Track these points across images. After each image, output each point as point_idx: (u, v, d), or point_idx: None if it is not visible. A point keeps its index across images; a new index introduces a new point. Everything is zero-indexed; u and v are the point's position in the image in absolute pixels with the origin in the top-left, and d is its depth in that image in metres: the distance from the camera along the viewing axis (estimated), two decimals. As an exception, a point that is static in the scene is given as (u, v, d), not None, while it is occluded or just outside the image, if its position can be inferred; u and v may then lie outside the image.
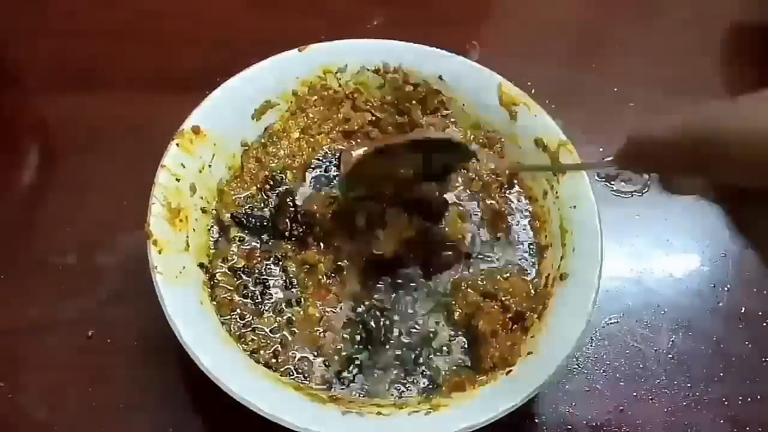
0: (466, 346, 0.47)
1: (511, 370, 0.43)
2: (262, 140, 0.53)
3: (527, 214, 0.52)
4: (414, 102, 0.55)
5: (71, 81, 0.61)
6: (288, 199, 0.51)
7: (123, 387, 0.47)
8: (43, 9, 0.65)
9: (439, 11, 0.71)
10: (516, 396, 0.40)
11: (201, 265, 0.46)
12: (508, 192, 0.53)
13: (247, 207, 0.51)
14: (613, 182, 0.59)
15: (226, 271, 0.48)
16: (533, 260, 0.50)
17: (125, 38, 0.64)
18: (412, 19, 0.69)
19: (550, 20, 0.71)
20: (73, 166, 0.56)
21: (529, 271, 0.50)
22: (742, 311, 0.53)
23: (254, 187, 0.51)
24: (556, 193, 0.50)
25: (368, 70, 0.54)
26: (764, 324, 0.53)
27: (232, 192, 0.51)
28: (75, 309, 0.49)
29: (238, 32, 0.65)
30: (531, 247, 0.51)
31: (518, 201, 0.53)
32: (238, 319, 0.46)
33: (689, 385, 0.50)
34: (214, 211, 0.49)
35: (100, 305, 0.49)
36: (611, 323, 0.52)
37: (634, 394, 0.49)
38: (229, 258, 0.48)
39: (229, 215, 0.50)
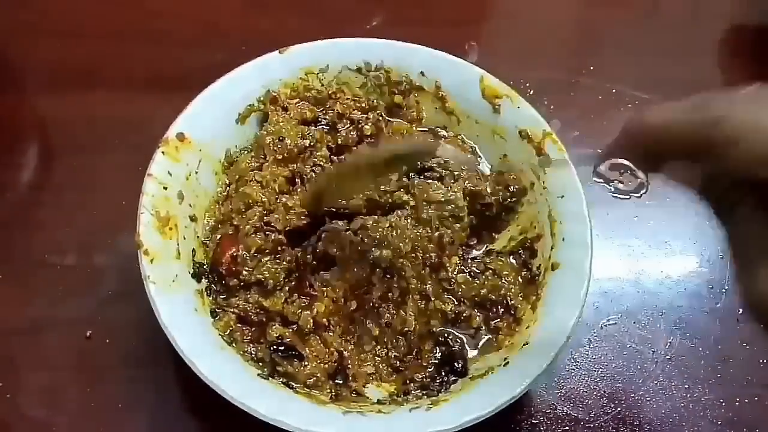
0: None
1: (507, 362, 0.43)
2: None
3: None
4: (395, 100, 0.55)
5: (71, 81, 0.61)
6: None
7: (121, 387, 0.47)
8: (43, 9, 0.65)
9: (438, 11, 0.71)
10: (515, 386, 0.40)
11: (193, 275, 0.46)
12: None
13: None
14: (611, 183, 0.59)
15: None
16: (525, 251, 0.50)
17: (125, 38, 0.64)
18: (410, 19, 0.69)
19: (549, 21, 0.71)
20: (73, 166, 0.56)
21: (521, 261, 0.50)
22: (740, 312, 0.53)
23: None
24: (543, 183, 0.50)
25: (350, 69, 0.54)
26: (761, 325, 0.52)
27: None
28: (74, 309, 0.49)
29: (238, 32, 0.65)
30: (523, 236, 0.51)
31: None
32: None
33: (687, 386, 0.50)
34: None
35: (99, 305, 0.49)
36: (609, 324, 0.52)
37: (632, 395, 0.49)
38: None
39: None
